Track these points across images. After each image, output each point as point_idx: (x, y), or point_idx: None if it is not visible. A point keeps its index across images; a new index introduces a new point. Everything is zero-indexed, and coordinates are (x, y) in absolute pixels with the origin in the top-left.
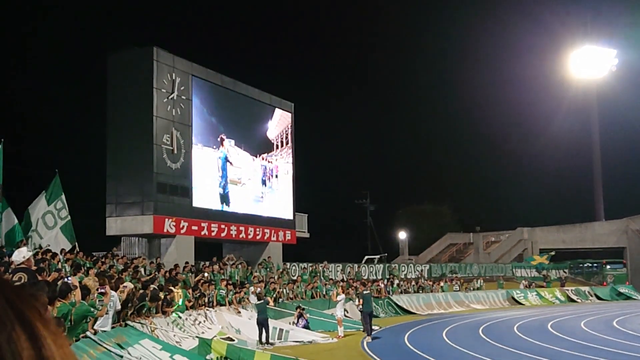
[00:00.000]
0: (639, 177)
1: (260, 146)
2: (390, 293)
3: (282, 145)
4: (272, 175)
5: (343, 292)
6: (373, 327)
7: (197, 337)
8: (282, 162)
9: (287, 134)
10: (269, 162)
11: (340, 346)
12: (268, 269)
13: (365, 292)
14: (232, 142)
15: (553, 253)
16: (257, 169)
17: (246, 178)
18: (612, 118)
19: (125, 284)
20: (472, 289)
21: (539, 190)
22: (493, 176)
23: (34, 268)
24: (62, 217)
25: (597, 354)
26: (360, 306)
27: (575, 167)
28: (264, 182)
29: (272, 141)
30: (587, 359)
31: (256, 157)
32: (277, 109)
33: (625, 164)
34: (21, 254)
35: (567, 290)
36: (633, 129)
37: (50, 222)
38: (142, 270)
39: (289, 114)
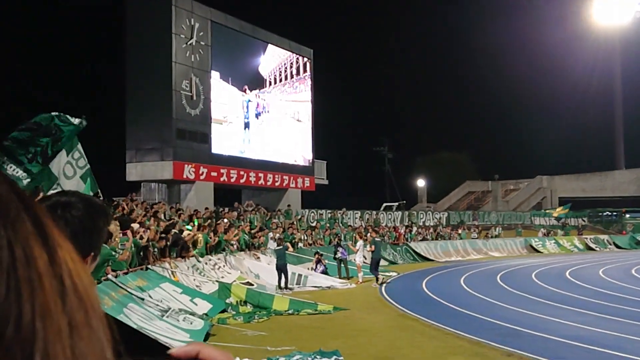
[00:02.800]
0: None
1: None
2: (409, 240)
3: (280, 81)
4: (264, 111)
5: (361, 238)
6: (391, 273)
7: (216, 281)
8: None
9: (286, 69)
10: (262, 99)
11: (358, 292)
12: (289, 217)
13: (377, 239)
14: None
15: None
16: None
17: (233, 116)
18: (634, 64)
19: (146, 228)
20: (490, 236)
21: (558, 138)
22: (513, 124)
23: None
24: (80, 167)
25: (616, 302)
26: (371, 252)
27: (596, 115)
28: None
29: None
30: (605, 306)
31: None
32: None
33: None
34: None
35: (586, 238)
36: None
37: (69, 172)
38: (162, 215)
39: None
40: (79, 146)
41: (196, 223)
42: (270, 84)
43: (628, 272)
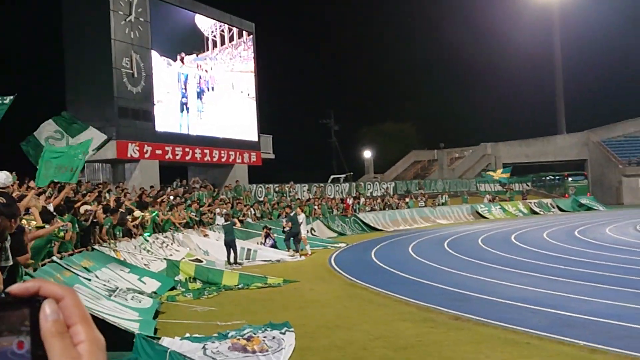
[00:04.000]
0: (599, 90)
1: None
2: (357, 211)
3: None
4: (207, 87)
5: (302, 212)
6: (340, 244)
7: (165, 259)
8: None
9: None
10: (205, 74)
11: (307, 263)
12: (239, 193)
13: (292, 214)
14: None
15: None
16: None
17: (177, 92)
18: (573, 32)
19: (88, 208)
20: (437, 204)
21: (501, 105)
22: (456, 93)
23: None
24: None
25: (560, 263)
26: (288, 228)
27: (537, 81)
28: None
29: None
30: (550, 267)
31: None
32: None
33: (586, 77)
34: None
35: (530, 202)
36: (594, 42)
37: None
38: (107, 195)
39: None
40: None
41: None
42: (213, 58)
43: (571, 234)
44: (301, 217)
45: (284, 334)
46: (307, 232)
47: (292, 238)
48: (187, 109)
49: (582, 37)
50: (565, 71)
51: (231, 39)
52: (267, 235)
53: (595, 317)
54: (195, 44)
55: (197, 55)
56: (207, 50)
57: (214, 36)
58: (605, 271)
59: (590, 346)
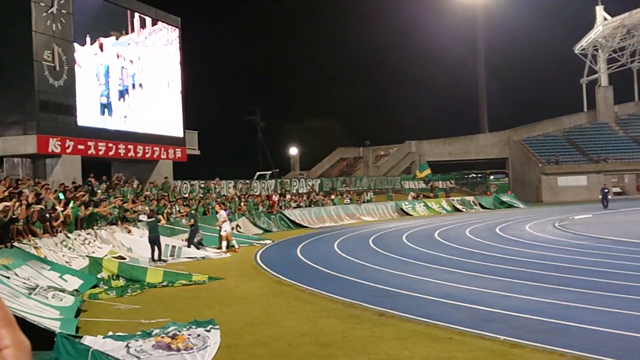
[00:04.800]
0: (521, 91)
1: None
2: (282, 208)
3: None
4: (132, 82)
5: (221, 209)
6: (265, 241)
7: (87, 256)
8: (153, 70)
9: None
10: (131, 67)
11: (233, 261)
12: (166, 190)
13: (192, 211)
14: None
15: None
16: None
17: (100, 87)
18: (496, 33)
19: (6, 204)
20: (362, 201)
21: (426, 104)
22: (382, 92)
23: None
24: None
25: (482, 259)
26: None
27: (461, 81)
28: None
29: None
30: (472, 263)
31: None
32: None
33: (508, 78)
34: None
35: (453, 200)
36: (516, 44)
37: None
38: (26, 191)
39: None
40: None
41: (62, 197)
42: (139, 45)
43: (492, 230)
44: (221, 214)
45: (209, 331)
46: (233, 228)
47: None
48: (111, 103)
49: (505, 39)
50: (488, 71)
51: (160, 44)
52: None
53: (514, 312)
54: (118, 25)
55: (117, 39)
56: (132, 32)
57: (145, 43)
58: (524, 267)
59: (509, 340)
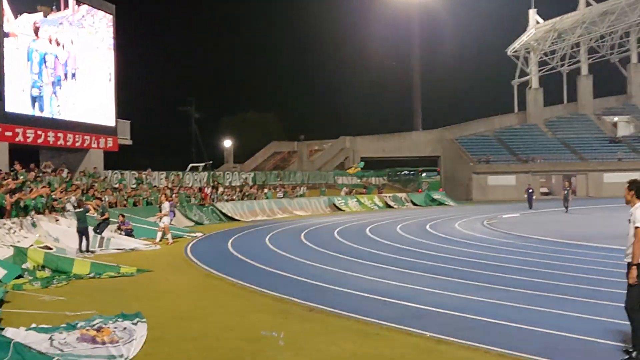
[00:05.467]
0: (455, 90)
1: None
2: (215, 200)
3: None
4: (63, 68)
5: (167, 200)
6: (197, 233)
7: (12, 246)
8: (85, 56)
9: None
10: (62, 54)
11: (163, 253)
12: (94, 178)
13: (104, 204)
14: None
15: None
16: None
17: (29, 72)
18: (432, 31)
19: None
20: (295, 196)
21: (361, 100)
22: (318, 87)
23: None
24: None
25: (411, 256)
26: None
27: (396, 79)
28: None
29: None
30: (402, 260)
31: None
32: None
33: (442, 78)
34: None
35: (385, 196)
36: (451, 43)
37: None
38: None
39: None
40: None
41: None
42: (72, 35)
43: (423, 228)
44: (165, 206)
45: (135, 324)
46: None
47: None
48: (41, 89)
49: (441, 38)
50: (423, 70)
51: (93, 31)
52: (122, 223)
53: (441, 309)
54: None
55: (45, 16)
56: (66, 8)
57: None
58: (453, 265)
59: (436, 337)
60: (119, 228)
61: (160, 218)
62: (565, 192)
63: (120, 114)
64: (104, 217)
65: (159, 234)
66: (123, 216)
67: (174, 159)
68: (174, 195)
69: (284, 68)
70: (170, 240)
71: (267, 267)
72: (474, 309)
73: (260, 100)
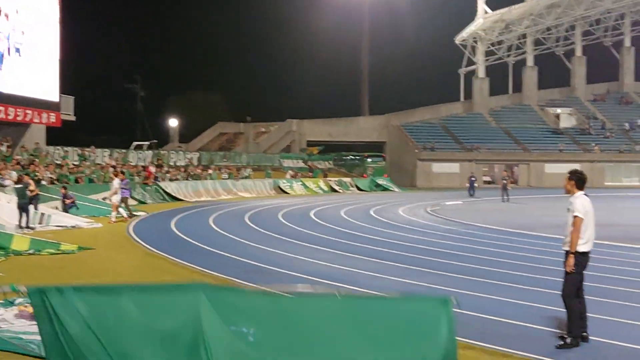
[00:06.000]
0: (402, 77)
1: None
2: (159, 179)
3: None
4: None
5: (117, 177)
6: (139, 213)
7: None
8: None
9: None
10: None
11: (105, 231)
12: (35, 155)
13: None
14: None
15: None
16: None
17: None
18: (381, 18)
19: None
20: (240, 177)
21: (309, 85)
22: (266, 69)
23: None
24: None
25: (354, 240)
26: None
27: (345, 64)
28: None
29: None
30: (345, 244)
31: None
32: None
33: (391, 64)
34: None
35: (330, 180)
36: (401, 29)
37: None
38: None
39: None
40: None
41: None
42: (17, 4)
43: (367, 212)
44: (114, 183)
45: None
46: (105, 199)
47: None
48: None
49: (391, 25)
50: (372, 55)
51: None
52: (65, 196)
53: (380, 292)
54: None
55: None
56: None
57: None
58: (395, 250)
59: None
60: (63, 201)
61: (111, 196)
62: (504, 181)
63: (64, 89)
64: (34, 192)
65: (113, 213)
66: (65, 188)
67: (118, 137)
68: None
69: (232, 50)
70: (113, 219)
71: (210, 248)
72: (413, 292)
73: (207, 81)
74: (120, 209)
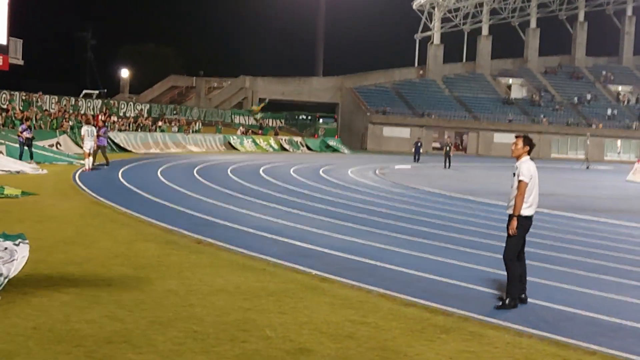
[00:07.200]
0: (357, 40)
1: None
2: (107, 129)
3: None
4: None
5: (87, 124)
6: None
7: None
8: None
9: None
10: None
11: (50, 178)
12: None
13: None
14: None
15: (267, 101)
16: None
17: None
18: None
19: None
20: (190, 131)
21: (264, 42)
22: (221, 24)
23: None
24: None
25: (303, 198)
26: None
27: (300, 23)
28: None
29: None
30: (293, 201)
31: None
32: None
33: (347, 26)
34: None
35: (281, 139)
36: None
37: None
38: None
39: None
40: None
41: None
42: None
43: (316, 172)
44: (84, 130)
45: (17, 245)
46: (52, 145)
47: None
48: None
49: None
50: (328, 17)
51: None
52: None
53: (328, 250)
54: None
55: None
56: None
57: None
58: (342, 209)
59: (320, 275)
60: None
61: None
62: (447, 148)
63: (13, 32)
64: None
65: (86, 160)
66: (28, 119)
67: (67, 85)
68: (64, 121)
69: (188, 3)
70: (87, 167)
71: (157, 199)
72: (361, 251)
73: (161, 33)
74: (87, 160)
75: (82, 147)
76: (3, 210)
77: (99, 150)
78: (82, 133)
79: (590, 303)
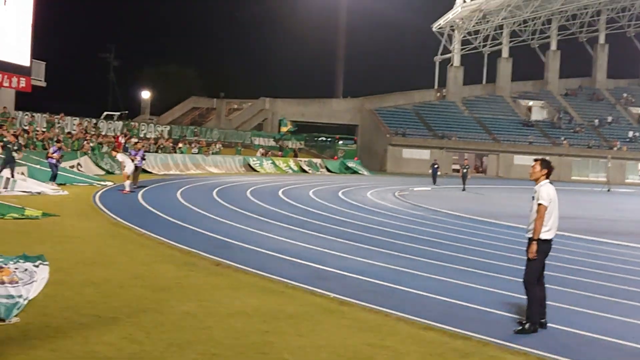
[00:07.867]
0: (378, 61)
1: None
2: (128, 150)
3: None
4: None
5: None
6: (106, 183)
7: None
8: None
9: None
10: None
11: (70, 199)
12: (3, 118)
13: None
14: None
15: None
16: None
17: None
18: (360, 1)
19: None
20: (210, 153)
21: (285, 63)
22: (242, 45)
23: None
24: None
25: (322, 220)
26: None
27: (320, 45)
28: None
29: None
30: (312, 223)
31: None
32: None
33: (367, 48)
34: None
35: (301, 160)
36: (379, 14)
37: None
38: None
39: None
40: None
41: None
42: None
43: (335, 194)
44: (119, 156)
45: (37, 266)
46: (73, 167)
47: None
48: None
49: (368, 8)
50: (349, 38)
51: None
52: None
53: (347, 272)
54: None
55: None
56: None
57: None
58: (361, 231)
59: (339, 298)
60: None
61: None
62: (465, 170)
63: (36, 54)
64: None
65: (126, 182)
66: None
67: (88, 106)
68: (85, 142)
69: (209, 25)
70: (127, 189)
71: (176, 221)
72: (379, 274)
73: (182, 54)
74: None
75: (102, 168)
76: (24, 231)
77: (137, 172)
78: (121, 160)
79: (611, 328)
